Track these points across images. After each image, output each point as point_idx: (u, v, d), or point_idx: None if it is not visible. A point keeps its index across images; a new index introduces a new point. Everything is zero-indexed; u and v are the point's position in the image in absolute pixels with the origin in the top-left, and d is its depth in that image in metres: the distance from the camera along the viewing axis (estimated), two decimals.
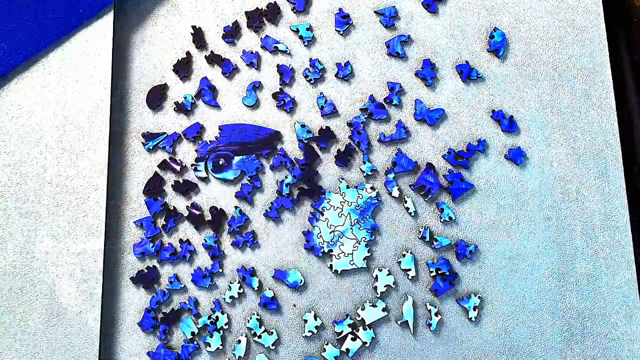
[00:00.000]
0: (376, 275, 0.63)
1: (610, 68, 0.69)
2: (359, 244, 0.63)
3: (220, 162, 0.64)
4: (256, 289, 0.62)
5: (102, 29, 0.64)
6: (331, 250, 0.63)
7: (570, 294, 0.64)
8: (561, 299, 0.64)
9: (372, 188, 0.64)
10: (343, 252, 0.63)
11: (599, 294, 0.64)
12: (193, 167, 0.65)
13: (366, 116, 0.66)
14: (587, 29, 0.70)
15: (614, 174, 0.67)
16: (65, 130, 0.62)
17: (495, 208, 0.65)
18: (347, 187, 0.64)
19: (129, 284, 0.62)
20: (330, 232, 0.63)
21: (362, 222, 0.63)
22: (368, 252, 0.63)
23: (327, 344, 0.61)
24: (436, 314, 0.62)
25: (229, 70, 0.67)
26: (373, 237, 0.63)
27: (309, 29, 0.68)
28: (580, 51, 0.69)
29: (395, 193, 0.64)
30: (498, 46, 0.69)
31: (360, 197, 0.64)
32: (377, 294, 0.62)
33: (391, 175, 0.65)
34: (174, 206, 0.64)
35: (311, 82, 0.67)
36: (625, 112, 0.70)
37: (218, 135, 0.65)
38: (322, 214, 0.64)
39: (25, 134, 0.62)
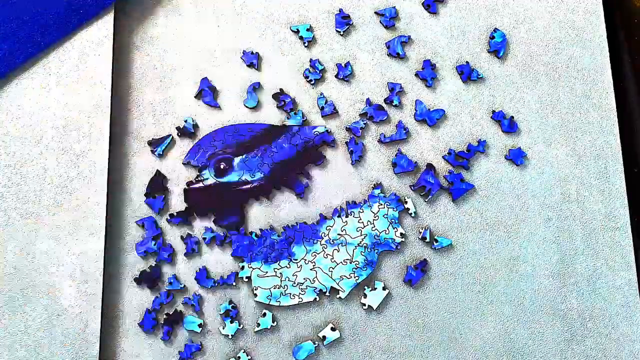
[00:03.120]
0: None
1: (611, 69, 0.69)
2: (350, 263, 0.63)
3: (222, 166, 0.64)
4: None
5: (103, 29, 0.64)
6: (325, 247, 0.63)
7: (570, 295, 0.64)
8: (561, 299, 0.64)
9: (402, 234, 0.63)
10: (331, 255, 0.63)
11: (599, 295, 0.64)
12: (198, 180, 0.64)
13: (365, 121, 0.66)
14: (587, 29, 0.70)
15: (614, 175, 0.67)
16: (65, 131, 0.62)
17: (495, 209, 0.65)
18: (384, 215, 0.64)
19: (130, 285, 0.62)
20: (339, 234, 0.63)
21: (369, 251, 0.63)
22: (349, 276, 0.62)
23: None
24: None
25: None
26: (364, 270, 0.63)
27: (309, 29, 0.68)
28: (581, 52, 0.69)
29: (375, 209, 0.63)
30: (498, 47, 0.69)
31: (387, 232, 0.63)
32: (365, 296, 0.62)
33: (377, 191, 0.64)
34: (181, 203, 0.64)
35: (311, 82, 0.67)
36: (625, 112, 0.70)
37: (213, 140, 0.65)
38: (346, 216, 0.64)
39: (25, 135, 0.62)
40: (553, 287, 0.64)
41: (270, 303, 0.62)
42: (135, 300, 0.62)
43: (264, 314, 0.62)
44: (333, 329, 0.61)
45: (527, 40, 0.70)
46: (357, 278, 0.62)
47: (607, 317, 0.63)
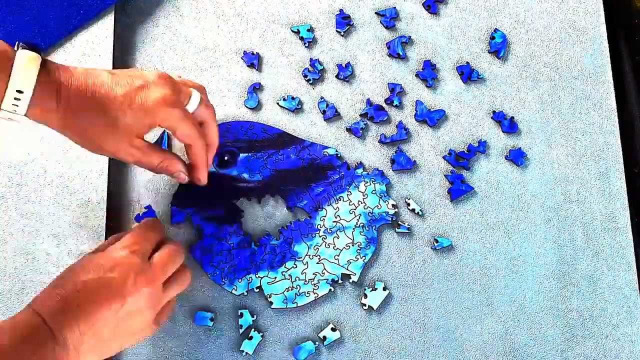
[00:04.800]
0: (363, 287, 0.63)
1: (611, 69, 0.69)
2: (352, 246, 0.63)
3: (226, 158, 0.64)
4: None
5: (103, 30, 0.64)
6: (325, 237, 0.63)
7: (570, 295, 0.64)
8: (562, 300, 0.64)
9: (393, 205, 0.64)
10: (332, 244, 0.63)
11: (599, 295, 0.64)
12: None
13: (366, 122, 0.66)
14: (588, 30, 0.70)
15: (614, 175, 0.67)
16: None
17: (495, 209, 0.65)
18: (373, 192, 0.64)
19: None
20: (334, 222, 0.63)
21: (367, 229, 0.63)
22: (355, 258, 0.62)
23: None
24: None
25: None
26: (368, 248, 0.63)
27: (310, 30, 0.68)
28: (581, 52, 0.70)
29: (362, 188, 0.64)
30: (499, 47, 0.69)
31: (379, 207, 0.63)
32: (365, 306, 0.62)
33: (360, 170, 0.64)
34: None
35: (310, 82, 0.67)
36: (625, 113, 0.70)
37: (227, 131, 0.65)
38: (337, 202, 0.64)
39: (26, 135, 0.62)
40: (553, 288, 0.64)
41: (288, 306, 0.62)
42: None
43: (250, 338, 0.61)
44: (333, 329, 0.61)
45: (527, 40, 0.70)
46: (363, 258, 0.63)
47: (607, 317, 0.63)
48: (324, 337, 0.61)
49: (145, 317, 0.52)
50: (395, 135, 0.66)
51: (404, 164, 0.65)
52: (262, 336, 0.61)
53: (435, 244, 0.64)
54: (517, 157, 0.66)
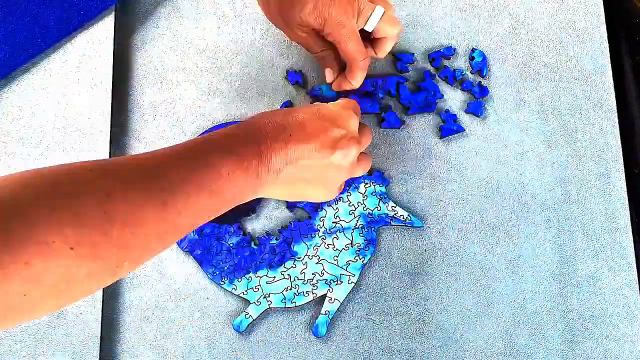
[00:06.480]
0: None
1: (611, 69, 0.69)
2: (352, 247, 0.63)
3: None
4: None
5: (103, 30, 0.65)
6: (324, 238, 0.63)
7: (571, 296, 0.64)
8: (562, 300, 0.64)
9: (393, 207, 0.64)
10: (332, 244, 0.63)
11: (600, 296, 0.64)
12: None
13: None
14: (588, 30, 0.70)
15: (614, 176, 0.67)
16: (66, 132, 0.62)
17: (495, 209, 0.65)
18: (372, 193, 0.64)
19: (130, 285, 0.62)
20: (333, 222, 0.63)
21: (366, 230, 0.63)
22: (354, 259, 0.62)
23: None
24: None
25: None
26: (367, 249, 0.63)
27: None
28: (581, 53, 0.69)
29: (362, 189, 0.64)
30: (480, 66, 0.68)
31: (378, 209, 0.63)
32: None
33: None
34: None
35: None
36: (625, 113, 0.70)
37: None
38: (336, 202, 0.64)
39: (26, 136, 0.62)
40: (553, 288, 0.64)
41: (287, 306, 0.62)
42: (136, 300, 0.62)
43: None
44: (331, 301, 0.62)
45: (527, 40, 0.70)
46: (362, 259, 0.63)
47: (607, 317, 0.63)
48: (327, 312, 0.61)
49: (340, 176, 0.53)
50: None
51: (393, 123, 0.65)
52: (269, 305, 0.62)
53: (408, 221, 0.64)
54: (476, 109, 0.66)
